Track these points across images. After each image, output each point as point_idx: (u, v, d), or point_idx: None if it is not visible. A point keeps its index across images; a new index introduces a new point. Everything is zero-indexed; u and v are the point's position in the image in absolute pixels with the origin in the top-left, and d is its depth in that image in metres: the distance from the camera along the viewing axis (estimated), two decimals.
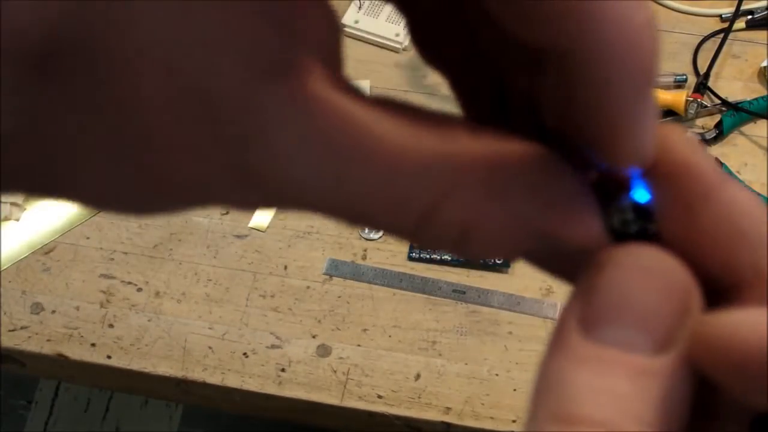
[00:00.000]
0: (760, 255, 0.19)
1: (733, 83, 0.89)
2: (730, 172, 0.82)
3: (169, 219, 0.83)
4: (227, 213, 0.83)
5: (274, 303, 0.78)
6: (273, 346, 0.76)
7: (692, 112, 0.85)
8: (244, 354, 0.75)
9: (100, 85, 0.16)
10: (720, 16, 0.94)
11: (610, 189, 0.19)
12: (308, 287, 0.79)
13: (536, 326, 0.76)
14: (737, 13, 0.91)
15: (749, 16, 0.92)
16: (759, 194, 0.81)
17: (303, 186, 0.17)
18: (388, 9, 0.94)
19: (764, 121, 0.86)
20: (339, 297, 0.78)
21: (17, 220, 0.83)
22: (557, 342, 0.18)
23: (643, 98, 0.17)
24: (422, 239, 0.18)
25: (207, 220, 0.83)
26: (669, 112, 0.86)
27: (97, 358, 0.76)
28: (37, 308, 0.78)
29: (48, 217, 0.84)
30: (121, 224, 0.83)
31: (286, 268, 0.80)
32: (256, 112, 0.16)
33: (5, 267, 0.80)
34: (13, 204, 0.84)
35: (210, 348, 0.76)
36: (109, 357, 0.76)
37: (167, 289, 0.79)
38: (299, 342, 0.76)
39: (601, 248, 0.19)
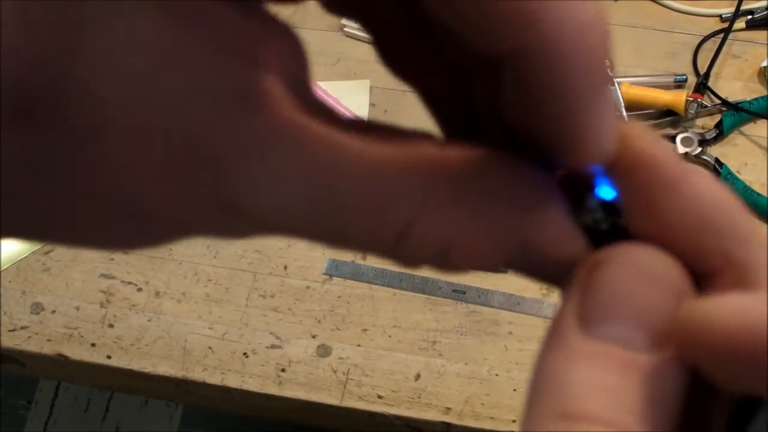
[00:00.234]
0: (727, 241, 0.19)
1: (733, 83, 0.89)
2: (730, 172, 0.82)
3: None
4: None
5: (274, 303, 0.78)
6: (273, 346, 0.76)
7: (692, 112, 0.85)
8: (244, 354, 0.75)
9: (68, 135, 0.16)
10: (720, 16, 0.94)
11: (578, 188, 0.19)
12: (308, 287, 0.79)
13: (536, 326, 0.76)
14: (737, 13, 0.91)
15: (749, 16, 0.92)
16: (759, 194, 0.81)
17: (281, 213, 0.17)
18: None
19: (764, 121, 0.86)
20: (339, 297, 0.78)
21: None
22: (554, 339, 0.19)
23: (596, 95, 0.17)
24: (402, 257, 0.18)
25: None
26: (669, 112, 0.86)
27: (97, 358, 0.76)
28: (37, 308, 0.78)
29: None
30: None
31: (286, 268, 0.80)
32: (227, 144, 0.16)
33: (5, 267, 0.81)
34: None
35: (210, 348, 0.76)
36: (109, 357, 0.76)
37: (167, 289, 0.79)
38: (299, 342, 0.76)
39: (580, 255, 0.19)
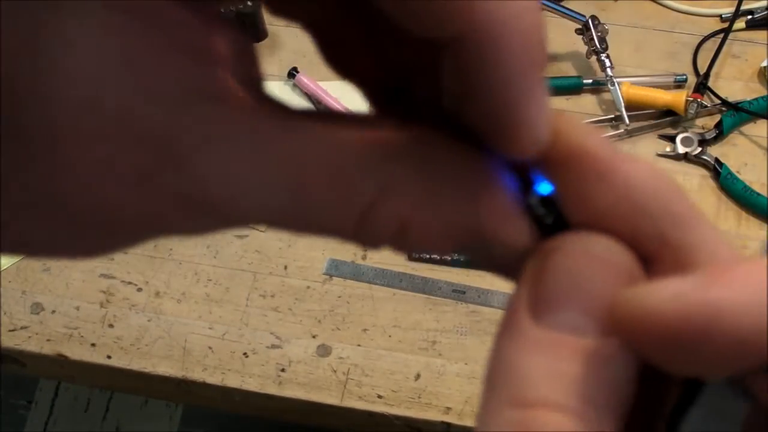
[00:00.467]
0: (663, 224, 0.19)
1: (733, 83, 0.89)
2: (730, 172, 0.82)
3: None
4: None
5: (274, 303, 0.78)
6: (273, 346, 0.76)
7: (692, 112, 0.85)
8: (244, 354, 0.75)
9: (21, 139, 0.16)
10: (720, 16, 0.94)
11: (520, 182, 0.20)
12: (308, 287, 0.79)
13: None
14: (737, 13, 0.91)
15: (749, 16, 0.92)
16: (759, 194, 0.81)
17: (246, 204, 0.18)
18: None
19: (764, 121, 0.86)
20: (339, 297, 0.78)
21: None
22: (508, 329, 0.19)
23: (532, 83, 0.18)
24: (363, 238, 0.19)
25: None
26: (669, 112, 0.86)
27: (97, 358, 0.76)
28: (37, 308, 0.78)
29: None
30: None
31: (286, 268, 0.80)
32: (183, 140, 0.16)
33: (5, 267, 0.81)
34: None
35: (210, 348, 0.76)
36: (109, 357, 0.76)
37: (167, 289, 0.79)
38: (299, 342, 0.76)
39: (530, 245, 0.20)
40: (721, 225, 0.81)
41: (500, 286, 0.78)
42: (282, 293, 0.78)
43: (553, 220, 0.20)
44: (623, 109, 0.84)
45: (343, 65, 0.22)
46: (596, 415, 0.17)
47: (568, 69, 0.90)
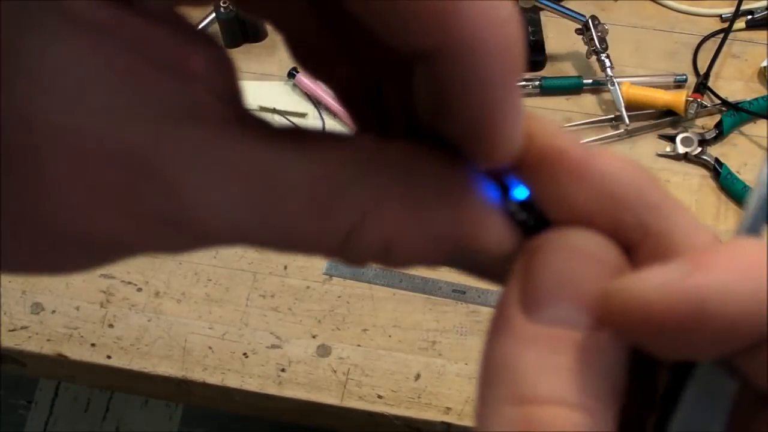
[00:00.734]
0: (642, 213, 0.19)
1: (733, 83, 0.89)
2: (730, 172, 0.82)
3: None
4: None
5: (274, 303, 0.78)
6: (273, 346, 0.76)
7: (692, 112, 0.85)
8: (244, 354, 0.75)
9: (9, 163, 0.16)
10: (720, 16, 0.94)
11: (498, 187, 0.20)
12: (308, 287, 0.79)
13: None
14: (737, 13, 0.91)
15: (749, 16, 0.92)
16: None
17: (226, 224, 0.18)
18: None
19: (764, 121, 0.86)
20: (339, 297, 0.78)
21: None
22: (500, 326, 0.19)
23: (508, 93, 0.18)
24: (348, 257, 0.19)
25: None
26: (669, 112, 0.86)
27: (97, 358, 0.76)
28: (37, 308, 0.78)
29: None
30: None
31: (286, 267, 0.80)
32: (164, 159, 0.17)
33: None
34: None
35: (210, 348, 0.76)
36: (109, 357, 0.76)
37: (167, 289, 0.79)
38: (299, 342, 0.76)
39: (515, 249, 0.20)
40: (721, 225, 0.81)
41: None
42: (282, 293, 0.78)
43: (534, 222, 0.20)
44: (623, 109, 0.84)
45: (313, 68, 0.22)
46: (597, 406, 0.18)
47: (568, 69, 0.90)
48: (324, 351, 0.75)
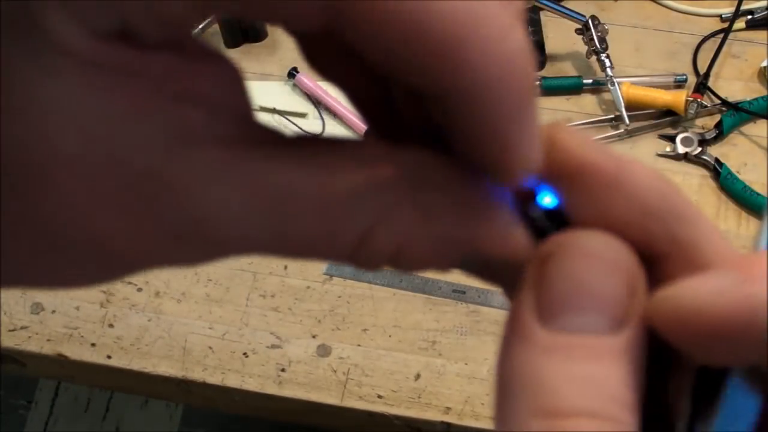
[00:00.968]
0: (672, 225, 0.20)
1: (733, 83, 0.89)
2: (730, 172, 0.82)
3: None
4: None
5: (274, 303, 0.78)
6: (273, 346, 0.76)
7: (692, 112, 0.85)
8: (244, 354, 0.75)
9: (23, 193, 0.17)
10: (720, 16, 0.94)
11: (516, 193, 0.20)
12: (308, 287, 0.79)
13: None
14: (737, 13, 0.91)
15: (749, 16, 0.92)
16: (759, 194, 0.81)
17: (238, 239, 0.18)
18: None
19: (764, 121, 0.86)
20: (339, 297, 0.78)
21: None
22: (516, 335, 0.19)
23: (524, 121, 0.18)
24: (359, 262, 0.19)
25: None
26: (669, 112, 0.86)
27: (97, 358, 0.76)
28: (37, 308, 0.78)
29: None
30: None
31: (286, 267, 0.80)
32: (175, 179, 0.17)
33: None
34: None
35: (210, 348, 0.76)
36: (109, 357, 0.76)
37: (167, 289, 0.79)
38: (299, 342, 0.76)
39: (528, 254, 0.20)
40: (721, 225, 0.81)
41: None
42: (282, 293, 0.78)
43: (556, 230, 0.20)
44: (623, 109, 0.84)
45: (325, 70, 0.22)
46: (623, 414, 0.18)
47: (568, 69, 0.90)
48: (324, 351, 0.75)
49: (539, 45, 0.91)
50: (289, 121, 0.87)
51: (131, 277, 0.20)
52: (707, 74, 0.87)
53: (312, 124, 0.87)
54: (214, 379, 0.74)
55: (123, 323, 0.77)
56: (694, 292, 0.18)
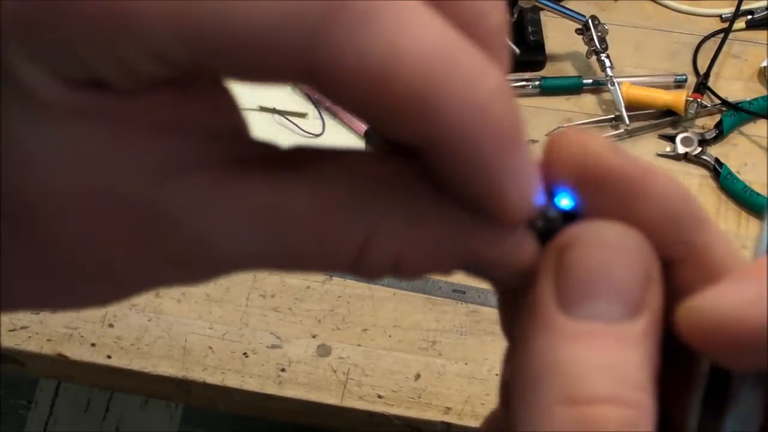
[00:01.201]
0: (690, 230, 0.20)
1: (733, 83, 0.89)
2: (730, 172, 0.82)
3: None
4: None
5: (274, 303, 0.78)
6: (273, 346, 0.76)
7: (692, 112, 0.85)
8: (244, 354, 0.75)
9: (24, 221, 0.18)
10: (720, 16, 0.94)
11: None
12: (308, 287, 0.79)
13: None
14: (737, 13, 0.91)
15: (749, 16, 0.92)
16: (759, 194, 0.81)
17: (241, 257, 0.19)
18: None
19: (764, 121, 0.86)
20: (339, 297, 0.78)
21: None
22: (537, 324, 0.19)
23: (510, 162, 0.17)
24: (362, 272, 0.19)
25: None
26: (669, 112, 0.86)
27: (97, 358, 0.76)
28: None
29: None
30: None
31: None
32: (169, 207, 0.18)
33: None
34: None
35: (210, 348, 0.76)
36: (109, 357, 0.76)
37: (167, 289, 0.79)
38: (299, 342, 0.76)
39: (531, 259, 0.20)
40: (721, 225, 0.81)
41: None
42: (282, 293, 0.78)
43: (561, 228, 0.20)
44: (623, 109, 0.84)
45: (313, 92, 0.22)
46: (644, 399, 0.18)
47: (568, 69, 0.90)
48: (324, 351, 0.75)
49: (539, 45, 0.91)
50: (289, 121, 0.87)
51: (136, 297, 0.21)
52: (707, 74, 0.87)
53: (312, 124, 0.87)
54: (214, 379, 0.74)
55: (123, 323, 0.77)
56: (723, 303, 0.18)
